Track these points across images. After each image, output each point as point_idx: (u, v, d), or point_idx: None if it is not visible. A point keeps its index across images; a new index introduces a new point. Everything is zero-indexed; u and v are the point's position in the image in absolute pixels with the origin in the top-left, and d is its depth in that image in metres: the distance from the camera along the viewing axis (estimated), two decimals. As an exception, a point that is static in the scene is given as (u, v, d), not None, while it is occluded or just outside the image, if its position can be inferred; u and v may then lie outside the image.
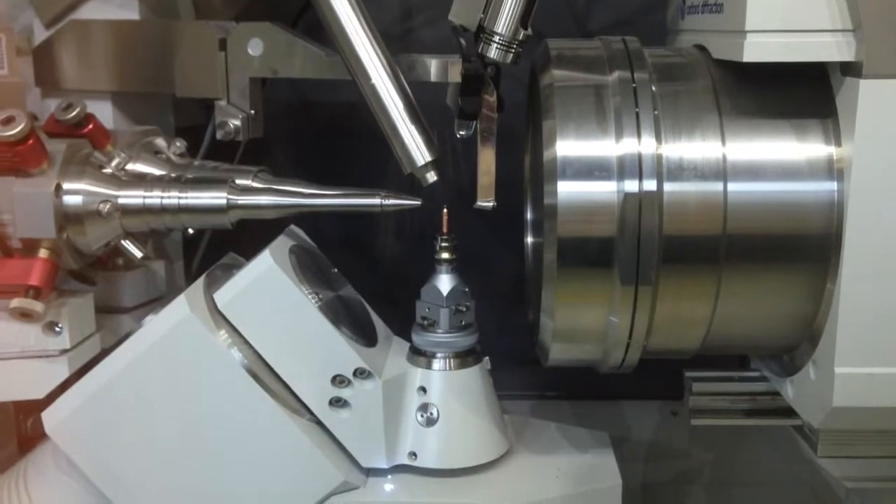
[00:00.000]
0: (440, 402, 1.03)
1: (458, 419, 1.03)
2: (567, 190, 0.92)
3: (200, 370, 1.00)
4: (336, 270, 1.14)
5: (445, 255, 1.05)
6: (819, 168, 0.91)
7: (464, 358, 1.05)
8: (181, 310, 0.99)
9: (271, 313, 1.01)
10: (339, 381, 1.01)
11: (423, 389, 1.04)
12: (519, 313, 1.15)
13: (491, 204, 1.03)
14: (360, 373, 1.01)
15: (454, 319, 1.04)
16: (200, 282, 1.05)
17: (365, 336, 1.07)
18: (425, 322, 1.06)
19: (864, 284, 0.88)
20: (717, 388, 1.08)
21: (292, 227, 1.12)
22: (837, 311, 0.89)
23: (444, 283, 1.05)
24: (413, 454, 1.03)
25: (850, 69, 0.87)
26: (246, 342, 1.01)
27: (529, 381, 1.48)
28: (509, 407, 1.44)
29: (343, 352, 1.01)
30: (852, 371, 0.89)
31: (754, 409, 1.07)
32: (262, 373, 1.01)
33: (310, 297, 1.01)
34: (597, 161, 0.93)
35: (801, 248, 0.92)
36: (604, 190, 0.92)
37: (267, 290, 1.00)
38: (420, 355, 1.06)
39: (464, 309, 1.05)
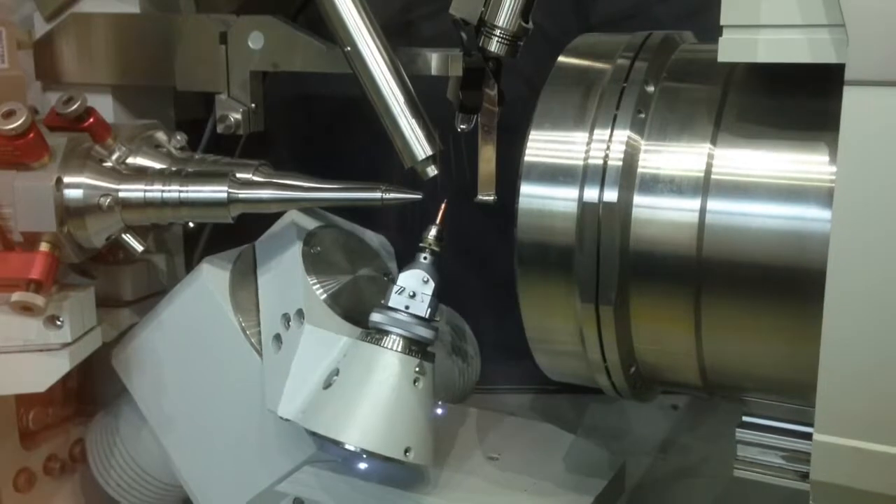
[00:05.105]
0: (344, 367, 0.97)
1: (351, 391, 0.96)
2: (529, 193, 0.87)
3: (209, 332, 1.09)
4: (390, 277, 1.12)
5: (423, 243, 1.00)
6: (819, 192, 0.77)
7: (394, 340, 0.97)
8: (199, 274, 1.09)
9: (278, 260, 1.08)
10: (284, 319, 1.04)
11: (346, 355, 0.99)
12: (518, 307, 1.15)
13: (492, 198, 1.03)
14: (299, 315, 1.02)
15: (397, 299, 0.98)
16: (241, 248, 1.12)
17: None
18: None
19: (849, 335, 0.72)
20: (770, 441, 0.88)
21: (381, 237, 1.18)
22: (818, 366, 0.72)
23: (410, 266, 0.99)
24: (303, 413, 0.98)
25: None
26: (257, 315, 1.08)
27: (529, 374, 1.47)
28: (509, 400, 1.45)
29: (297, 289, 1.03)
30: (833, 441, 0.74)
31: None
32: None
33: (311, 251, 1.06)
34: (563, 166, 0.86)
35: (798, 283, 0.77)
36: (565, 197, 0.85)
37: (278, 238, 1.10)
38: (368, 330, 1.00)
39: (418, 298, 0.97)
